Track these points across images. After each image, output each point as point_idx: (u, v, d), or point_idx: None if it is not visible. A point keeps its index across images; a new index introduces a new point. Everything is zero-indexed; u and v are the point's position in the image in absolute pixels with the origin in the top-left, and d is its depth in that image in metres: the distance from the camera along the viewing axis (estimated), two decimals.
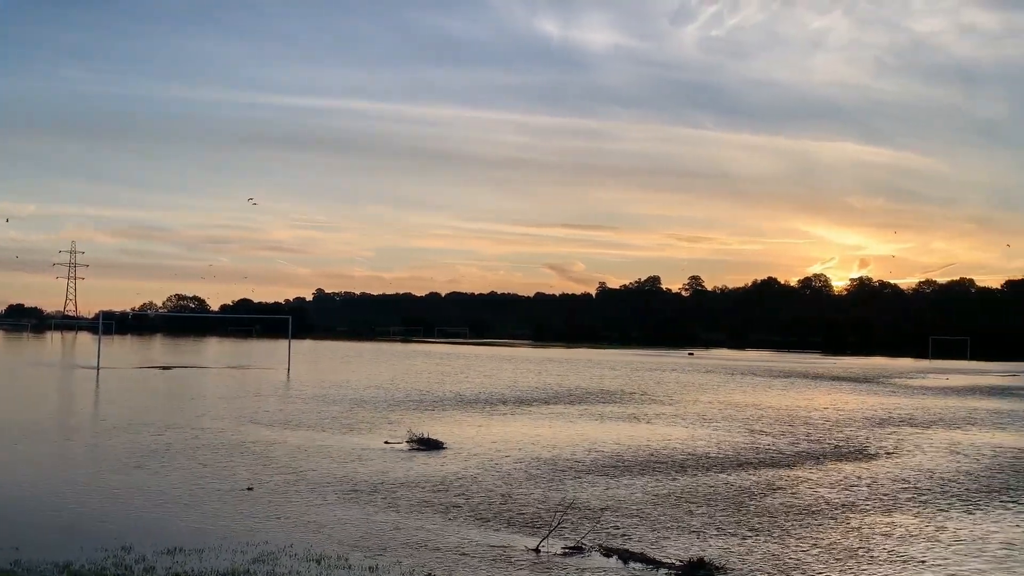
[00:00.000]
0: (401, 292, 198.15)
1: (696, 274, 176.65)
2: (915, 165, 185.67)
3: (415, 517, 10.03)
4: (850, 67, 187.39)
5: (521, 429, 18.76)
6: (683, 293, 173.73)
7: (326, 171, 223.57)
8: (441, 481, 12.29)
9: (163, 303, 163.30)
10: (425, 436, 15.63)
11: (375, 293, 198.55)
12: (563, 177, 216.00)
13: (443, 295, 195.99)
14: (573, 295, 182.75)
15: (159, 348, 71.99)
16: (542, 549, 8.62)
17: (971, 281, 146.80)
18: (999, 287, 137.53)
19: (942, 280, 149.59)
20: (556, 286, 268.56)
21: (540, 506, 10.71)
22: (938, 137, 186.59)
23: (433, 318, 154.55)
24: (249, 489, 11.35)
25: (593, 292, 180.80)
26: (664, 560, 8.27)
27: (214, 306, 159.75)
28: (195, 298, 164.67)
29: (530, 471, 13.31)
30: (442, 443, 15.57)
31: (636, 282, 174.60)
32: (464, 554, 8.45)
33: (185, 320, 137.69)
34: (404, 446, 15.37)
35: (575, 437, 17.44)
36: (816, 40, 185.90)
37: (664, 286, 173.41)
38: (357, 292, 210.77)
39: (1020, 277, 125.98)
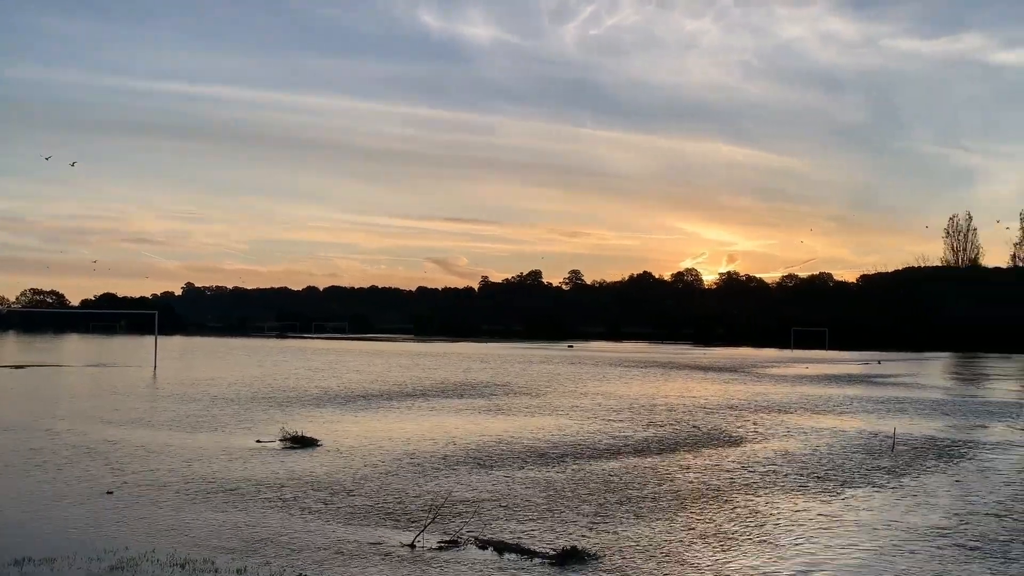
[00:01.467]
0: (277, 286, 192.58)
1: (576, 268, 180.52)
2: (781, 165, 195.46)
3: (287, 516, 9.77)
4: (720, 70, 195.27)
5: (395, 425, 18.61)
6: (563, 287, 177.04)
7: (197, 160, 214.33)
8: (315, 479, 12.02)
9: (16, 298, 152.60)
10: (299, 434, 15.24)
11: (249, 287, 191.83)
12: (446, 171, 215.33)
13: (321, 290, 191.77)
14: (456, 289, 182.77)
15: (12, 346, 67.19)
16: (418, 544, 8.56)
17: (829, 275, 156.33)
18: (854, 281, 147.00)
19: (803, 275, 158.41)
20: (438, 280, 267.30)
21: (416, 501, 10.65)
22: (802, 139, 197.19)
23: (311, 313, 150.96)
24: (109, 493, 10.76)
25: (476, 286, 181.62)
26: (539, 550, 8.38)
27: (74, 301, 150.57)
28: (53, 292, 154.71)
29: (405, 466, 13.21)
30: (316, 440, 15.24)
31: (518, 276, 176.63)
32: (338, 552, 8.29)
33: (42, 316, 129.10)
34: (277, 444, 14.95)
35: (449, 431, 17.43)
36: (689, 43, 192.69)
37: (545, 280, 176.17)
38: (230, 287, 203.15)
39: (872, 272, 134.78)
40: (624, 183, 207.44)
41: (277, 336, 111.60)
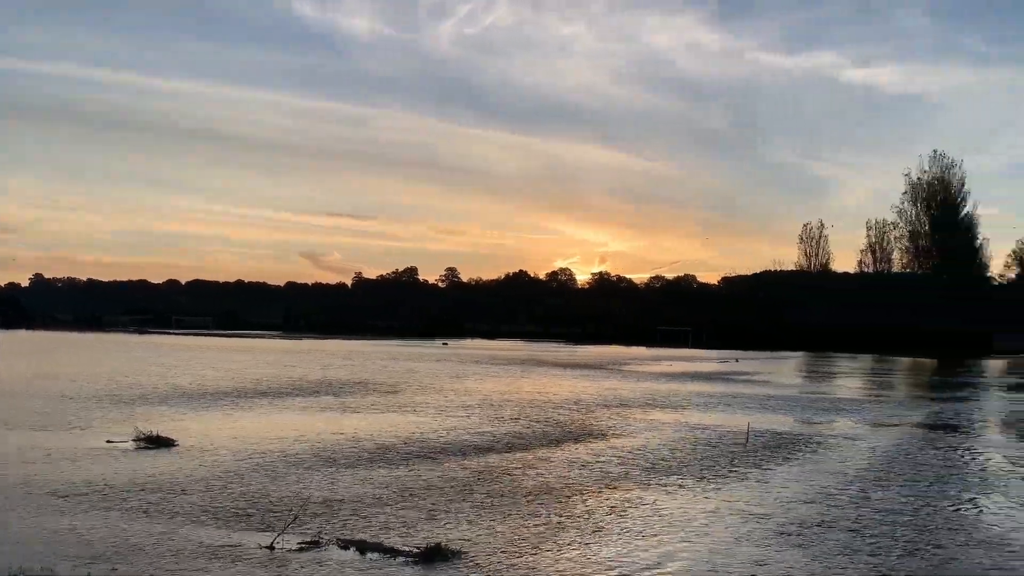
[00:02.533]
0: (136, 279, 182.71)
1: (453, 266, 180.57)
2: (650, 170, 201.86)
3: (140, 521, 9.29)
4: (593, 74, 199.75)
5: (254, 424, 18.04)
6: (440, 284, 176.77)
7: (63, 145, 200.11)
8: (171, 481, 11.49)
9: None
10: (154, 434, 14.51)
11: (106, 280, 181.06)
12: (320, 163, 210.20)
13: (184, 283, 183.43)
14: (328, 285, 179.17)
15: None
16: (277, 546, 8.33)
17: (694, 277, 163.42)
18: (717, 283, 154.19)
19: (670, 276, 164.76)
20: (311, 275, 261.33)
21: (275, 502, 10.36)
22: (670, 145, 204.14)
23: (173, 307, 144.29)
24: None
25: (349, 282, 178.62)
26: (402, 549, 8.32)
27: None
28: None
29: (263, 467, 12.82)
30: (173, 440, 14.56)
31: (394, 273, 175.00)
32: (192, 556, 7.95)
33: None
34: (130, 445, 14.19)
35: (309, 430, 17.00)
36: (563, 46, 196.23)
37: (422, 277, 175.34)
38: (84, 278, 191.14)
39: (733, 275, 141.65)
40: (501, 182, 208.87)
41: (136, 331, 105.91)
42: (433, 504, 10.51)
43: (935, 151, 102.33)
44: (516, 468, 13.24)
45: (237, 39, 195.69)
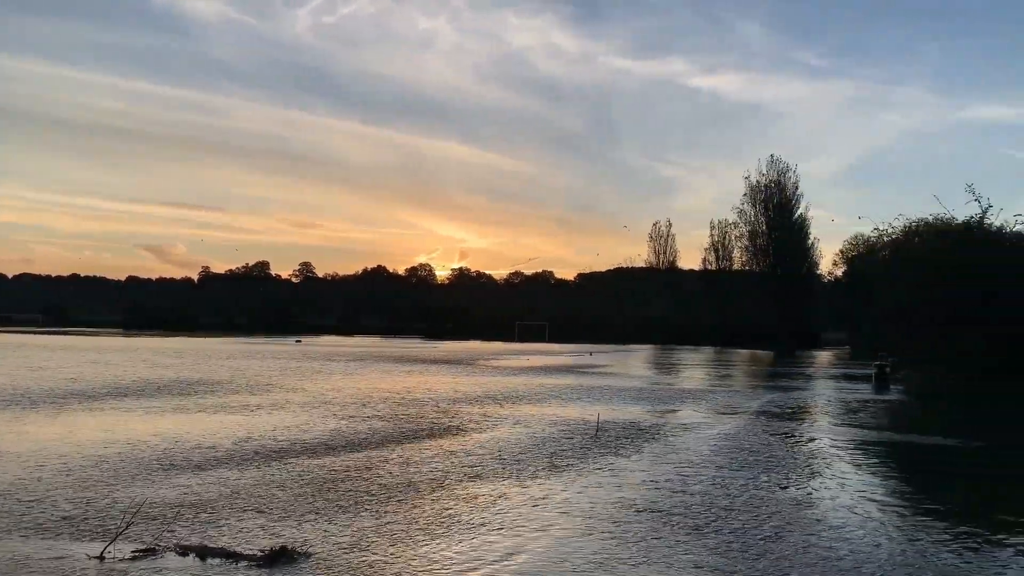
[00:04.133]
0: None
1: (307, 260, 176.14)
2: (509, 167, 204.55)
3: None
4: (454, 71, 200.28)
5: (83, 427, 16.84)
6: (294, 279, 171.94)
7: None
8: None
9: None
10: None
11: None
12: (163, 151, 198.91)
13: (10, 276, 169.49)
14: (173, 279, 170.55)
15: None
16: (107, 555, 7.78)
17: (551, 273, 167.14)
18: (573, 279, 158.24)
19: (528, 272, 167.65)
20: (154, 269, 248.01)
21: (107, 508, 9.69)
22: (528, 144, 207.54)
23: None
24: None
25: (196, 277, 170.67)
26: (246, 552, 7.97)
27: None
28: None
29: (93, 472, 11.97)
30: None
31: (244, 267, 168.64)
32: (9, 571, 7.29)
33: None
34: None
35: (144, 432, 16.04)
36: (425, 41, 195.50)
37: (274, 272, 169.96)
38: None
39: (588, 271, 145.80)
40: (359, 175, 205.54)
41: None
42: (282, 505, 10.14)
43: (772, 156, 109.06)
44: (370, 466, 13.00)
45: (71, 16, 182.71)
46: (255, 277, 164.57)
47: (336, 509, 9.96)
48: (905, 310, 31.06)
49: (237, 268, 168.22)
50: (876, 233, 40.34)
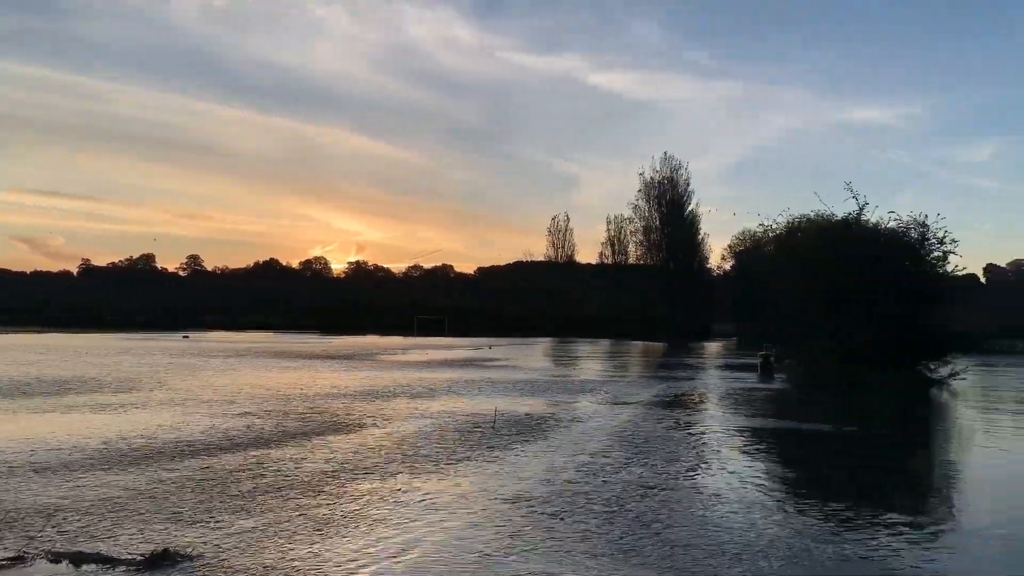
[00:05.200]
0: None
1: (195, 253, 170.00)
2: (406, 160, 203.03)
3: None
4: (349, 60, 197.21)
5: None
6: (181, 273, 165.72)
7: None
8: None
9: None
10: None
11: None
12: (37, 137, 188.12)
13: None
14: (49, 273, 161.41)
15: None
16: None
17: (451, 267, 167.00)
18: (473, 272, 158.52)
19: (427, 265, 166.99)
20: (29, 262, 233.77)
21: None
22: (426, 137, 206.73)
23: None
24: None
25: (75, 270, 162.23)
26: (124, 557, 7.59)
27: None
28: None
29: None
30: None
31: (127, 260, 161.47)
32: None
33: None
34: None
35: (18, 434, 15.14)
36: (317, 28, 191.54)
37: (160, 265, 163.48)
38: None
39: (488, 265, 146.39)
40: (249, 165, 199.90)
41: None
42: (165, 507, 9.69)
43: (665, 153, 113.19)
44: (261, 464, 12.61)
45: None
46: (139, 270, 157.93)
47: (224, 510, 9.60)
48: (788, 302, 32.57)
49: (120, 261, 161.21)
50: (762, 229, 42.24)
